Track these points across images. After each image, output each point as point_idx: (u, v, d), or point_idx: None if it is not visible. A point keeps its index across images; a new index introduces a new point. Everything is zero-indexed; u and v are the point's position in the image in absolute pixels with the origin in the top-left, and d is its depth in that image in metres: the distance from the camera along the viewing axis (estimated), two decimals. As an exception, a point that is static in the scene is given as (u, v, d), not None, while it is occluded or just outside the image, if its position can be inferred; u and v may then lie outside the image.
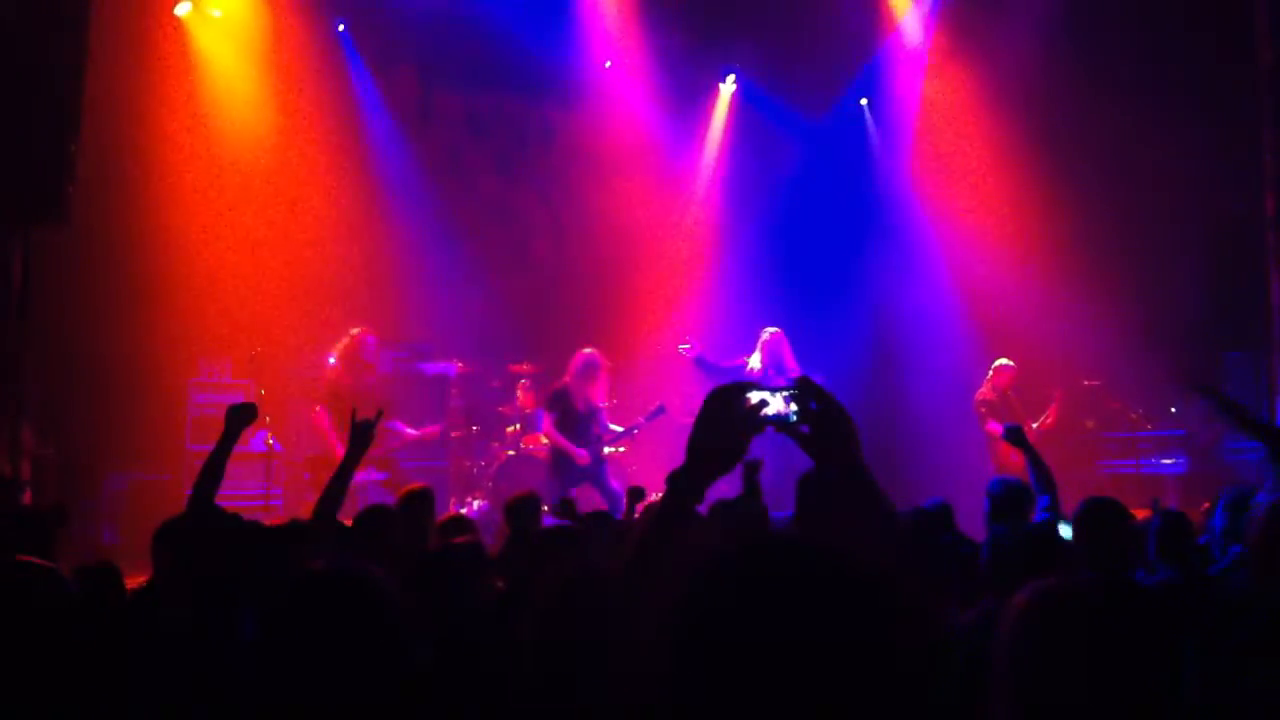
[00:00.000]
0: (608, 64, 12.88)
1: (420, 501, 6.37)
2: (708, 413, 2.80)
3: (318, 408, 9.82)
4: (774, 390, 2.59)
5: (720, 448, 2.59)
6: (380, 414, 5.58)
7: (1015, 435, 6.40)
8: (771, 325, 10.72)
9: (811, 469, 3.32)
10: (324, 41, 11.53)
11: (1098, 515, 5.03)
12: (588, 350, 9.96)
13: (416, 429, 10.29)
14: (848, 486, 2.77)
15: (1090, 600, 2.62)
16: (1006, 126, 12.05)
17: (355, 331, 10.01)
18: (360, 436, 5.33)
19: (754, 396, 2.59)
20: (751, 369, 10.43)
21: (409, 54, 11.75)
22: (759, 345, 10.49)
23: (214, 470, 4.92)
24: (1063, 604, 2.60)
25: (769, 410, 2.59)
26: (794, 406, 2.61)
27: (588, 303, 12.24)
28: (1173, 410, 11.39)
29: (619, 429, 10.32)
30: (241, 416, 5.14)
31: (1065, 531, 5.20)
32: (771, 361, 10.38)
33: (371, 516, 5.26)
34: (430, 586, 4.21)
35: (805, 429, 2.59)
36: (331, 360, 10.02)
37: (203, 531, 4.20)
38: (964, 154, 12.48)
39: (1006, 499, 5.79)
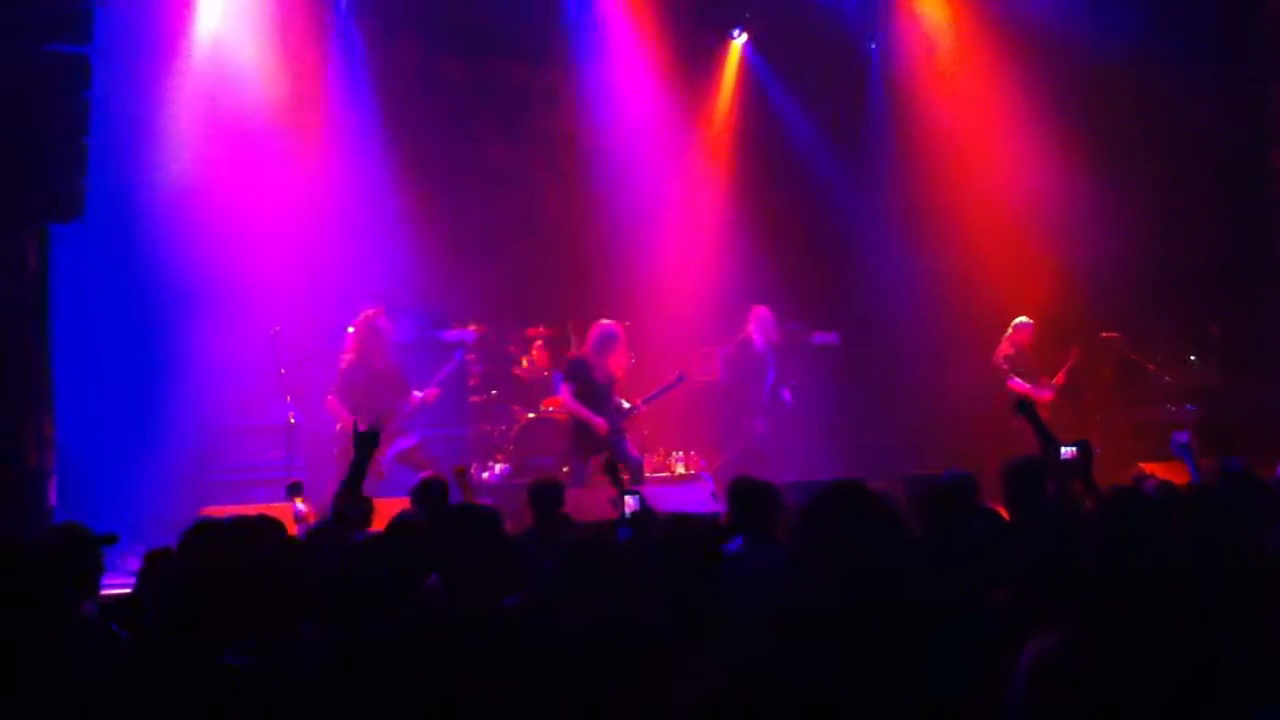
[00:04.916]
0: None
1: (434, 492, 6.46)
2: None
3: (330, 397, 9.90)
4: None
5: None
6: (382, 421, 5.65)
7: (1025, 408, 6.43)
8: (794, 280, 11.35)
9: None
10: (326, 11, 11.45)
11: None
12: (606, 321, 10.02)
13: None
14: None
15: (1090, 659, 2.66)
16: (1019, 78, 11.90)
17: (364, 315, 10.04)
18: (364, 445, 5.37)
19: None
20: (755, 342, 11.00)
21: (411, 20, 11.66)
22: (753, 323, 11.04)
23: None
24: (1063, 664, 2.64)
25: None
26: None
27: (599, 264, 12.20)
28: (1191, 359, 11.40)
29: (628, 405, 10.33)
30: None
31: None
32: (763, 337, 10.98)
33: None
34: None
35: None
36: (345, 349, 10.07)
37: None
38: (977, 106, 12.31)
39: (1023, 480, 5.76)
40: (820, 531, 3.36)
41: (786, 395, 11.08)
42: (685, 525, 3.86)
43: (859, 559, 3.35)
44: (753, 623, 3.43)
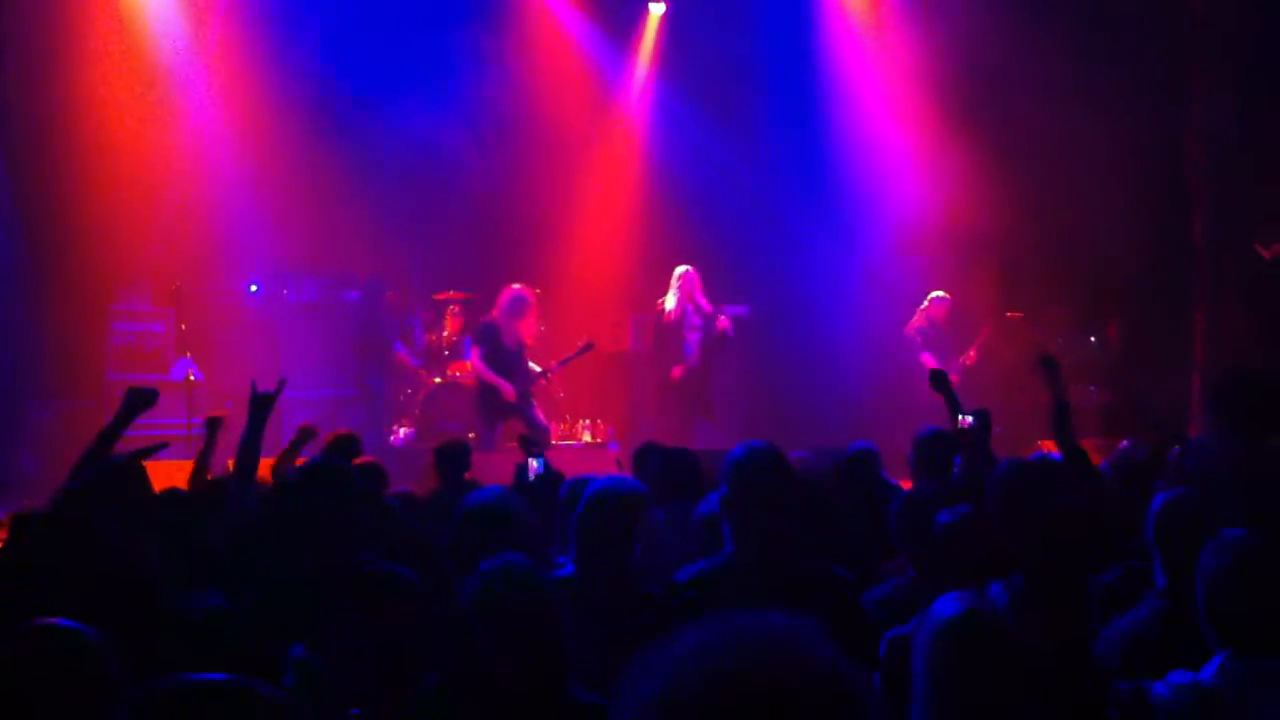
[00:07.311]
0: None
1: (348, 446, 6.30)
2: None
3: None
4: None
5: None
6: (283, 383, 5.32)
7: (938, 381, 6.44)
8: (705, 253, 11.03)
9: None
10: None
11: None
12: (517, 286, 9.94)
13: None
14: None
15: (1000, 624, 2.67)
16: (934, 66, 11.90)
17: None
18: (260, 407, 5.05)
19: None
20: (668, 309, 10.64)
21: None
22: (673, 284, 10.64)
23: (106, 447, 4.76)
24: (976, 630, 2.64)
25: None
26: None
27: (517, 232, 12.12)
28: (1092, 340, 11.58)
29: (538, 368, 10.27)
30: (142, 399, 5.01)
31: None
32: (686, 300, 10.60)
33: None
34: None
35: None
36: None
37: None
38: (893, 92, 12.33)
39: (932, 451, 5.79)
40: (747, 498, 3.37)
41: (727, 326, 10.72)
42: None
43: (786, 527, 3.38)
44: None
